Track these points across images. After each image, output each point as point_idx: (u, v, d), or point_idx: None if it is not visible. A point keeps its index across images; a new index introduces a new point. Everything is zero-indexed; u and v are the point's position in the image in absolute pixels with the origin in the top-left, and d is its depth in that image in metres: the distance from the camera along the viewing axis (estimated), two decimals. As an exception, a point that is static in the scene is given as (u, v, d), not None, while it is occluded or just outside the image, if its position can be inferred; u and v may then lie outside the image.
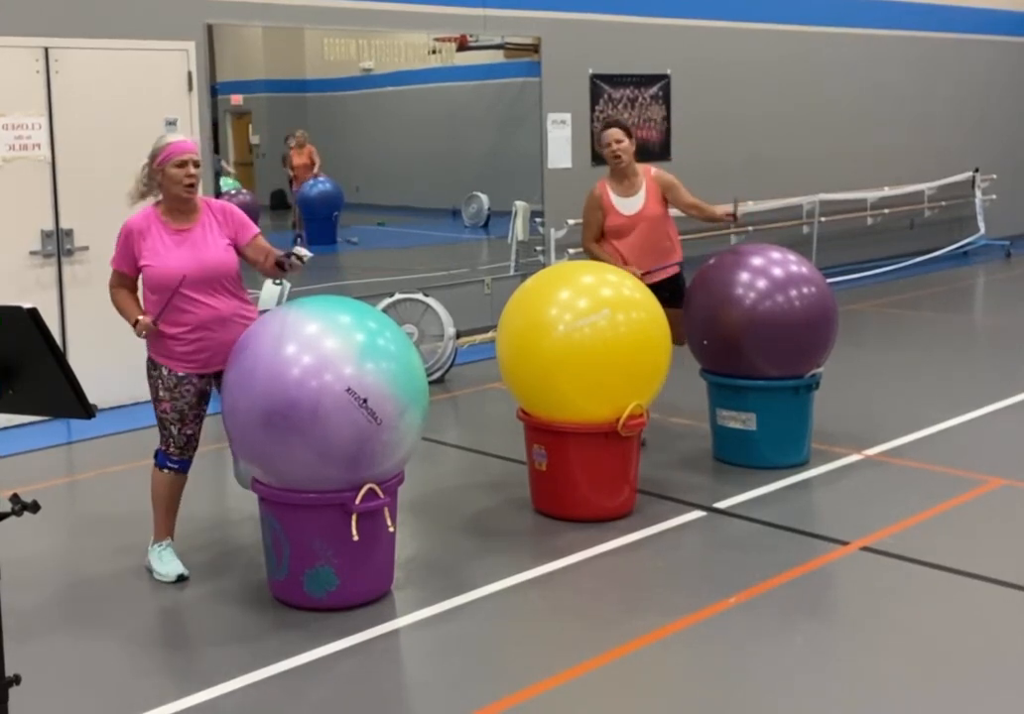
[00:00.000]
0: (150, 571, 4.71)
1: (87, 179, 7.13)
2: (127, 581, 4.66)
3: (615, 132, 6.14)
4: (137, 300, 4.62)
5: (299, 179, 10.64)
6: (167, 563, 4.66)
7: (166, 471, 4.64)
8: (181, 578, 4.62)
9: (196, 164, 4.50)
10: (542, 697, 3.67)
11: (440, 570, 4.70)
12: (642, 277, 5.95)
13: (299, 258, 4.45)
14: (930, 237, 13.19)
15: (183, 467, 4.65)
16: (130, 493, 5.49)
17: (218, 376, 4.57)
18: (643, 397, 5.13)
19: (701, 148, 10.48)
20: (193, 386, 4.56)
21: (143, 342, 4.63)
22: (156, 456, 4.67)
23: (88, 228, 7.15)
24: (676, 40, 10.57)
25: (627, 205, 6.16)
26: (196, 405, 4.59)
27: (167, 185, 4.47)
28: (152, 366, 4.59)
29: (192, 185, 4.48)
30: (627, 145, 6.13)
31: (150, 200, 4.62)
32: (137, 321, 4.48)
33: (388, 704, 3.72)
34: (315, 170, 10.48)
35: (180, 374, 4.53)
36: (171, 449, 4.61)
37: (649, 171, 6.25)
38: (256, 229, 4.65)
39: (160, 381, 4.56)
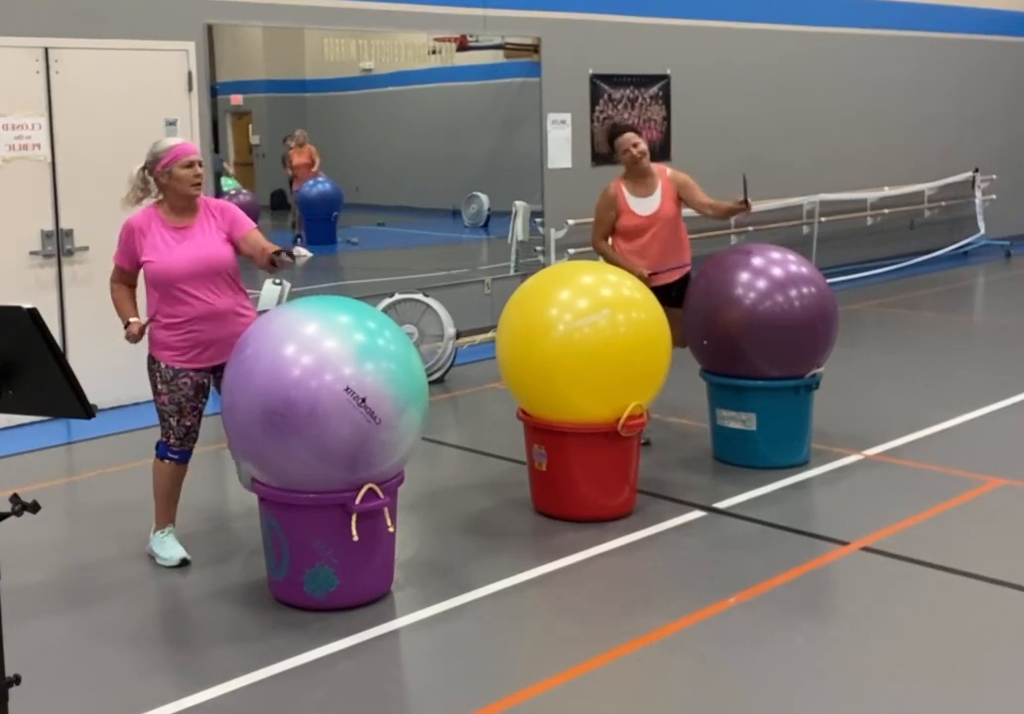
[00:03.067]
0: (152, 557, 4.80)
1: (87, 179, 7.13)
2: (127, 581, 4.66)
3: (632, 137, 6.16)
4: (134, 300, 4.76)
5: (299, 179, 10.65)
6: (170, 548, 4.78)
7: (167, 461, 4.75)
8: (184, 562, 4.74)
9: (201, 164, 4.65)
10: (542, 697, 3.67)
11: (440, 570, 4.70)
12: (652, 277, 5.96)
13: (290, 255, 4.50)
14: (930, 237, 13.19)
15: (183, 457, 4.76)
16: (130, 493, 5.50)
17: (215, 371, 4.68)
18: (643, 397, 5.13)
19: (701, 148, 10.47)
20: (190, 379, 4.66)
21: (142, 342, 4.69)
22: (157, 447, 4.78)
23: (88, 228, 7.15)
24: (676, 40, 10.57)
25: (643, 205, 6.16)
26: (193, 398, 4.69)
27: (174, 185, 4.59)
28: (151, 360, 4.72)
29: (200, 184, 4.63)
30: (644, 146, 6.17)
31: (146, 201, 4.73)
32: (128, 323, 4.63)
33: (388, 704, 3.72)
34: (315, 169, 10.48)
35: (176, 367, 4.64)
36: (171, 440, 4.73)
37: (664, 171, 6.27)
38: (252, 224, 4.75)
39: (158, 374, 4.68)
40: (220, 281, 4.62)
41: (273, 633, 4.13)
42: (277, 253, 4.51)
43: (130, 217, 4.68)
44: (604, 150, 6.50)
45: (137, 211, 4.70)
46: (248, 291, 4.81)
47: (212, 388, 4.76)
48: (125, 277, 4.75)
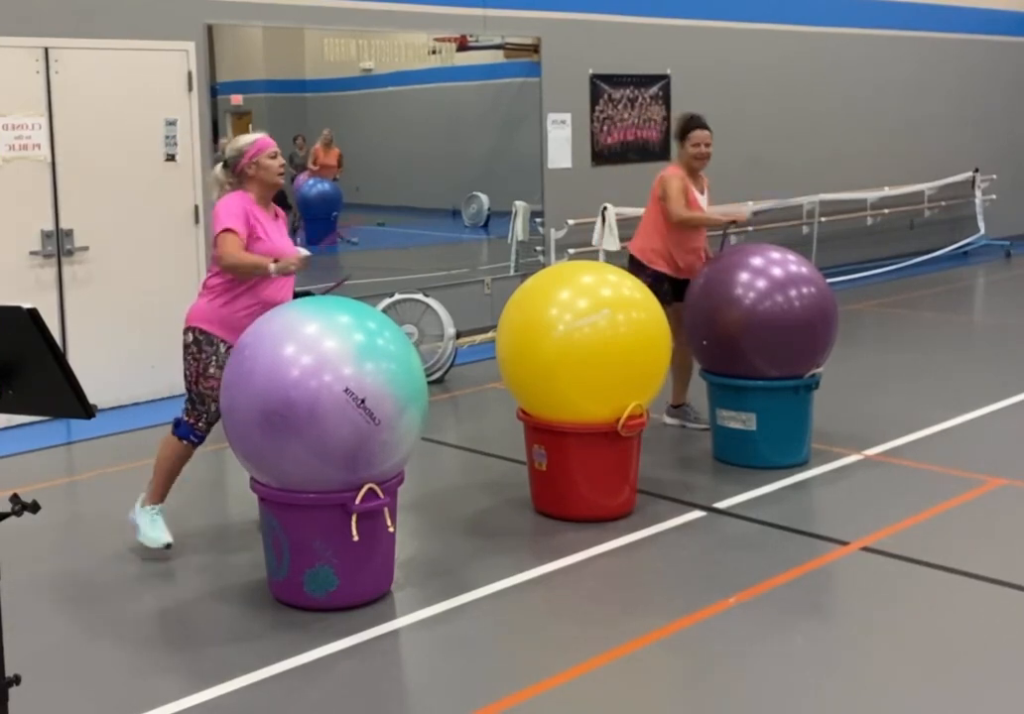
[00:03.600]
0: (135, 528, 4.84)
1: (87, 179, 7.13)
2: (127, 581, 4.66)
3: (708, 135, 6.34)
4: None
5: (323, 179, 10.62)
6: (159, 529, 4.81)
7: (185, 442, 4.78)
8: (167, 546, 4.78)
9: (282, 155, 4.88)
10: (542, 697, 3.67)
11: (440, 570, 4.70)
12: (680, 271, 6.24)
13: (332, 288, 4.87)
14: (930, 237, 13.19)
15: (202, 440, 4.83)
16: (130, 493, 5.48)
17: None
18: (643, 397, 5.13)
19: (701, 148, 10.45)
20: None
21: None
22: (178, 426, 4.78)
23: (88, 228, 7.15)
24: (676, 40, 10.57)
25: (700, 200, 6.37)
26: None
27: (262, 175, 4.78)
28: (208, 341, 4.70)
29: (283, 173, 4.86)
30: (711, 151, 6.35)
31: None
32: (276, 260, 4.61)
33: (388, 704, 3.72)
34: (338, 174, 10.48)
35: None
36: (200, 424, 4.76)
37: (705, 178, 6.49)
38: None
39: (215, 358, 4.69)
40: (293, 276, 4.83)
41: (273, 633, 4.13)
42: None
43: (233, 194, 4.75)
44: (672, 135, 6.68)
45: (226, 194, 4.79)
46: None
47: None
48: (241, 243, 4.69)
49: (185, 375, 4.78)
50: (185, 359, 4.76)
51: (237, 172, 4.78)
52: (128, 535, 5.00)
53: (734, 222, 6.34)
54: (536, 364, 5.08)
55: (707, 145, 6.30)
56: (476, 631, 4.19)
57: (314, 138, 10.52)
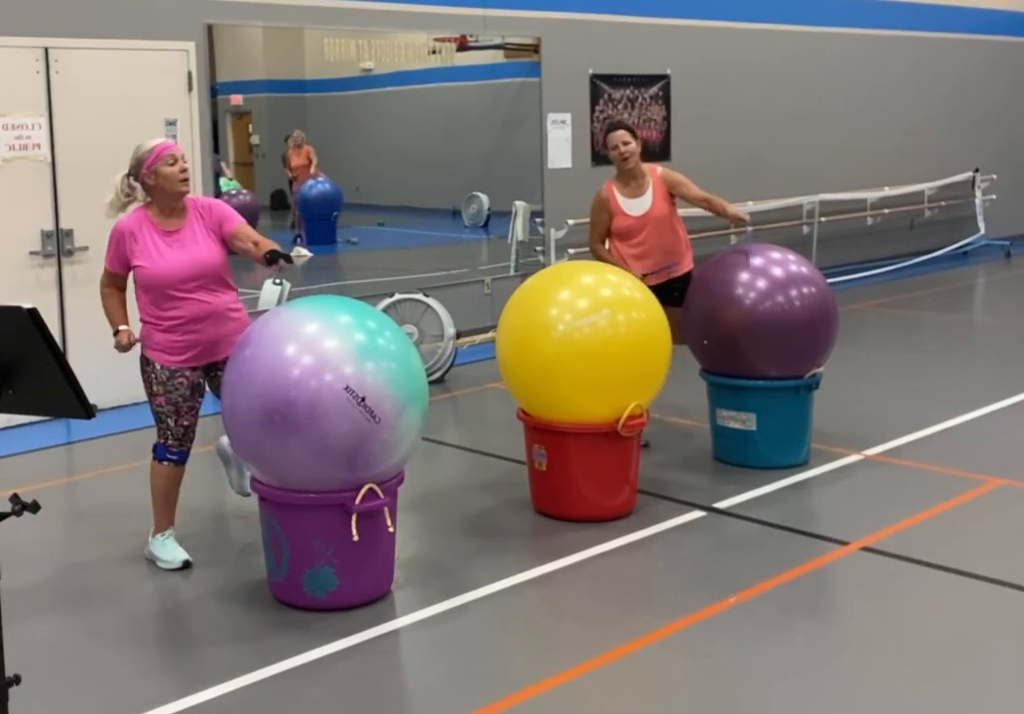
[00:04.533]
0: (152, 561, 4.78)
1: (87, 179, 7.12)
2: (127, 581, 4.66)
3: (622, 134, 6.15)
4: (124, 306, 4.74)
5: (299, 179, 10.65)
6: (171, 551, 4.76)
7: (165, 463, 4.74)
8: (187, 564, 4.72)
9: (184, 159, 4.64)
10: (542, 697, 3.67)
11: (440, 570, 4.70)
12: (648, 277, 5.96)
13: (287, 258, 4.56)
14: (930, 237, 13.19)
15: (181, 458, 4.75)
16: (130, 493, 5.49)
17: (208, 369, 4.70)
18: (643, 397, 5.13)
19: (701, 148, 10.48)
20: (186, 379, 4.66)
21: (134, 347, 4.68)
22: (155, 450, 4.77)
23: (88, 228, 7.14)
24: (676, 40, 10.56)
25: (634, 206, 6.17)
26: (190, 397, 4.69)
27: (162, 185, 4.58)
28: (145, 362, 4.70)
29: (187, 179, 4.62)
30: (634, 147, 6.15)
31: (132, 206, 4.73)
32: (117, 331, 4.60)
33: (388, 704, 3.72)
34: (313, 170, 10.48)
35: (172, 368, 4.63)
36: (169, 441, 4.72)
37: (655, 170, 6.26)
38: (240, 219, 4.75)
39: (153, 376, 4.67)
40: (213, 282, 4.64)
41: (273, 633, 4.13)
42: (271, 254, 4.53)
43: (119, 221, 4.66)
44: (603, 151, 6.51)
45: (126, 215, 4.68)
46: (248, 290, 4.82)
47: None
48: (116, 281, 4.73)
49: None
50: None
51: (139, 181, 4.62)
52: (128, 535, 5.00)
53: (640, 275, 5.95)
54: (536, 364, 5.08)
55: (625, 144, 6.11)
56: (476, 631, 4.19)
57: (311, 139, 10.53)
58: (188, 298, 4.58)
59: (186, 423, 4.70)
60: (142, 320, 4.68)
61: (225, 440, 4.93)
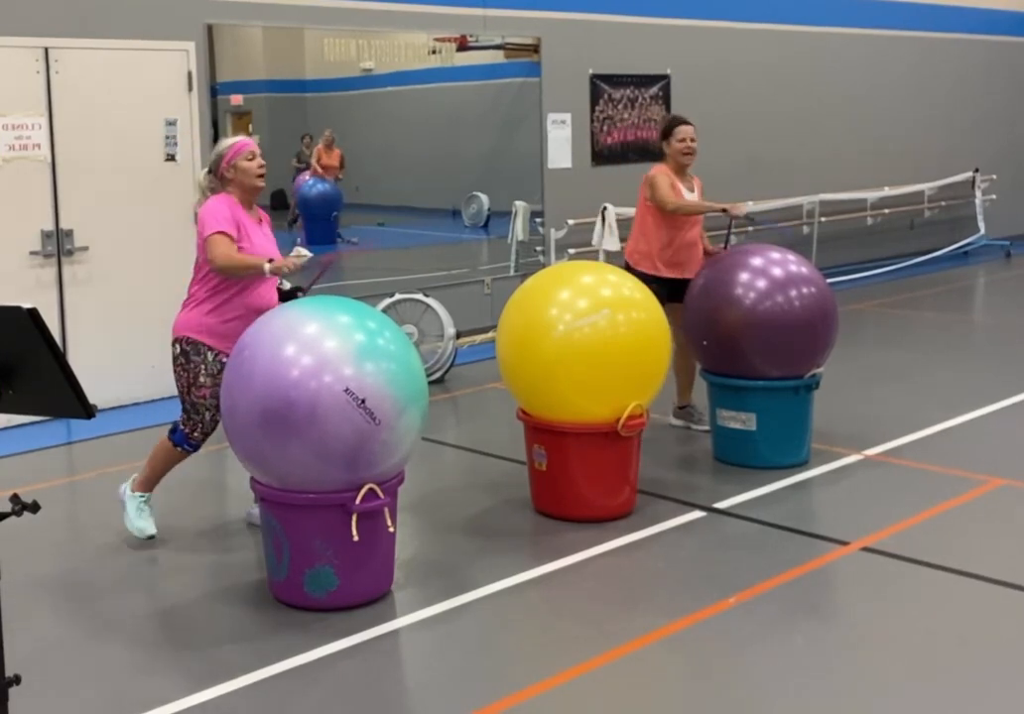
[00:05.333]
0: (121, 505, 4.92)
1: (87, 179, 7.13)
2: (127, 581, 4.66)
3: (692, 130, 6.35)
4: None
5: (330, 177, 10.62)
6: (145, 519, 4.90)
7: (179, 450, 4.81)
8: (151, 538, 4.87)
9: (262, 155, 4.81)
10: (542, 697, 3.67)
11: (440, 570, 4.70)
12: (673, 270, 6.20)
13: (301, 290, 4.85)
14: (930, 237, 13.19)
15: (197, 449, 4.86)
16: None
17: None
18: (643, 397, 5.13)
19: (701, 148, 10.34)
20: None
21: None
22: (174, 433, 4.80)
23: (88, 228, 7.15)
24: (676, 40, 10.57)
25: (690, 198, 6.36)
26: None
27: (240, 178, 4.74)
28: (195, 351, 4.69)
29: (263, 174, 4.79)
30: (697, 144, 6.36)
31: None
32: (271, 260, 4.60)
33: (388, 704, 3.72)
34: (341, 174, 10.48)
35: (223, 360, 4.62)
36: (196, 434, 4.77)
37: (696, 179, 6.49)
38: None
39: (204, 366, 4.68)
40: (275, 280, 4.81)
41: (273, 633, 4.13)
42: (286, 295, 4.79)
43: (214, 197, 4.73)
44: (655, 144, 6.70)
45: (211, 196, 4.76)
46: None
47: None
48: (233, 243, 4.66)
49: (177, 386, 4.79)
50: (175, 371, 4.76)
51: (219, 177, 4.78)
52: (128, 536, 5.00)
53: (724, 210, 6.22)
54: (536, 364, 5.08)
55: (692, 140, 6.32)
56: (476, 631, 4.19)
57: (317, 138, 10.53)
58: (265, 291, 4.71)
59: (218, 418, 4.68)
60: (200, 302, 4.68)
61: (255, 511, 4.87)
